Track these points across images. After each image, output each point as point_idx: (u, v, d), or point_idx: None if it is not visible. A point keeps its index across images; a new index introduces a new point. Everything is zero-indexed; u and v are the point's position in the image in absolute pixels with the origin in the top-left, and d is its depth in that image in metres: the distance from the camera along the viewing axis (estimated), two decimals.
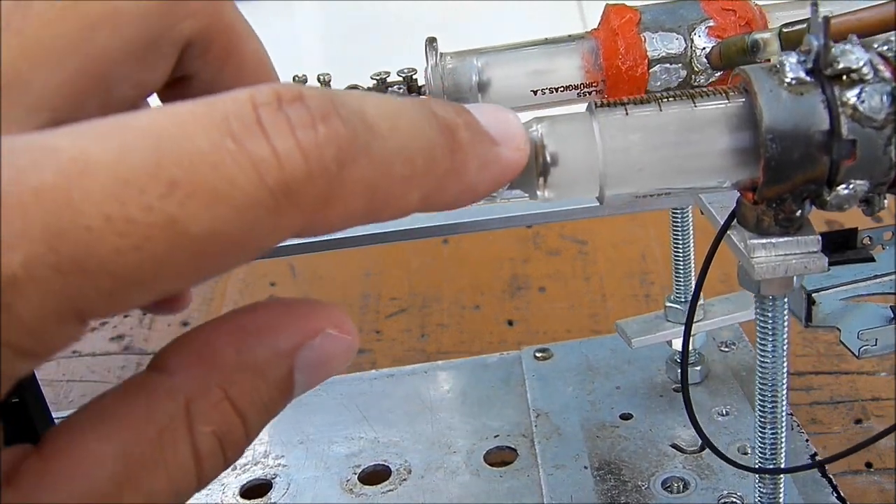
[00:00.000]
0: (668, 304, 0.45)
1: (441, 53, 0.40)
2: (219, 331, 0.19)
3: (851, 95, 0.24)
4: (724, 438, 0.42)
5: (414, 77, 0.40)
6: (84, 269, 0.15)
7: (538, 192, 0.26)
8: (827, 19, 0.24)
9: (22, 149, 0.15)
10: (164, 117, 0.16)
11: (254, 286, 0.62)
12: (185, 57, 0.22)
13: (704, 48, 0.37)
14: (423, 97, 0.21)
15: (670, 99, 0.26)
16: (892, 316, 0.41)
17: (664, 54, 0.37)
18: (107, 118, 0.16)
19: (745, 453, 0.41)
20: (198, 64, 0.22)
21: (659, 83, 0.37)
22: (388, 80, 0.40)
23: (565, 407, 0.46)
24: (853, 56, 0.24)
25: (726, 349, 0.49)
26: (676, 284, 0.45)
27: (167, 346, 0.19)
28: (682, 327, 0.45)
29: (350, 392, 0.52)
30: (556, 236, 0.59)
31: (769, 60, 0.36)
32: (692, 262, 0.45)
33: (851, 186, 0.26)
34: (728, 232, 0.29)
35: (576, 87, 0.39)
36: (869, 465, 0.37)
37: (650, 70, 0.37)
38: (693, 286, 0.45)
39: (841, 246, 0.43)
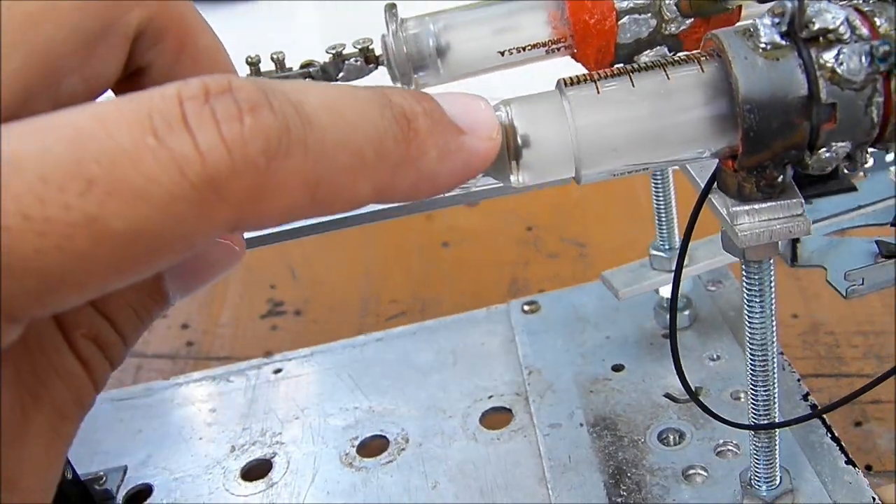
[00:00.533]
0: (653, 251, 0.45)
1: (402, 19, 0.38)
2: None
3: (829, 57, 0.23)
4: (717, 385, 0.42)
5: (370, 48, 0.39)
6: (6, 268, 0.15)
7: (511, 177, 0.25)
8: None
9: None
10: (87, 115, 0.16)
11: (253, 288, 0.62)
12: (138, 48, 0.22)
13: None
14: (383, 86, 0.20)
15: (641, 70, 0.25)
16: (878, 250, 0.41)
17: (632, 5, 0.36)
18: (34, 117, 0.16)
19: (738, 398, 0.41)
20: (151, 55, 0.22)
21: (629, 35, 0.36)
22: (344, 52, 0.39)
23: (557, 362, 0.46)
24: (829, 15, 0.23)
25: (713, 288, 0.49)
26: (660, 231, 0.45)
27: None
28: (668, 274, 0.45)
29: (341, 360, 0.51)
30: (557, 239, 0.58)
31: (741, 7, 0.35)
32: (673, 207, 0.44)
33: (833, 149, 0.25)
34: (709, 195, 0.28)
35: (543, 45, 0.37)
36: (869, 467, 0.37)
37: (619, 22, 0.36)
38: (675, 232, 0.45)
39: (821, 176, 0.42)
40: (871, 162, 0.44)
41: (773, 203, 0.26)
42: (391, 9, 0.38)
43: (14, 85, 0.19)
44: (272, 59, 0.38)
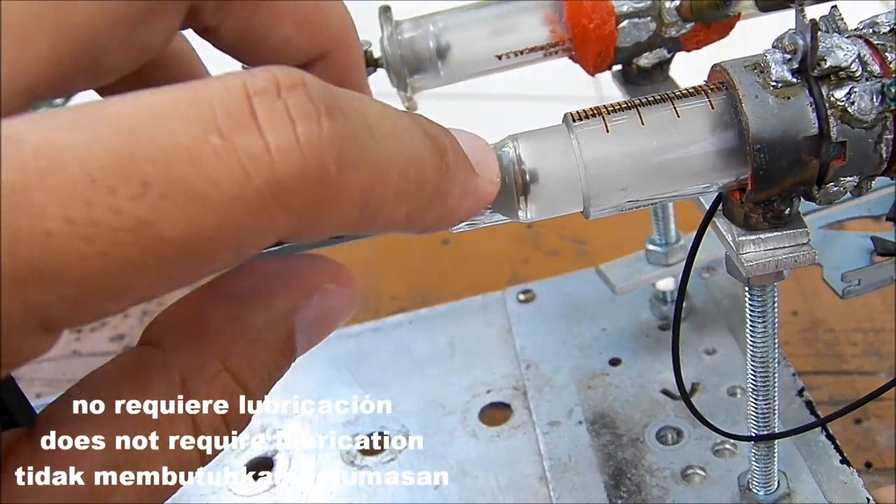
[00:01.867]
0: (649, 246, 0.45)
1: (396, 22, 0.37)
2: (210, 298, 0.18)
3: (841, 96, 0.23)
4: (713, 380, 0.42)
5: (368, 50, 0.38)
6: (45, 277, 0.14)
7: (520, 213, 0.25)
8: (814, 21, 0.23)
9: None
10: (140, 107, 0.15)
11: None
12: (201, 12, 0.20)
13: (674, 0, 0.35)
14: (410, 112, 0.19)
15: (649, 105, 0.25)
16: (873, 247, 0.41)
17: (632, 9, 0.35)
18: (80, 106, 0.15)
19: (735, 395, 0.41)
20: (219, 17, 0.20)
21: (629, 39, 0.36)
22: None
23: (554, 355, 0.47)
24: (841, 53, 0.23)
25: (707, 275, 0.50)
26: (656, 226, 0.45)
27: (157, 319, 0.18)
28: (664, 269, 0.45)
29: (337, 351, 0.52)
30: (557, 236, 0.58)
31: (740, 14, 0.35)
32: (669, 202, 0.44)
33: (841, 183, 0.25)
34: (714, 219, 0.28)
35: (541, 48, 0.37)
36: (869, 464, 0.38)
37: (618, 26, 0.36)
38: (671, 227, 0.45)
39: None
40: None
41: (779, 233, 0.26)
42: (385, 11, 0.38)
43: (46, 70, 0.17)
44: None
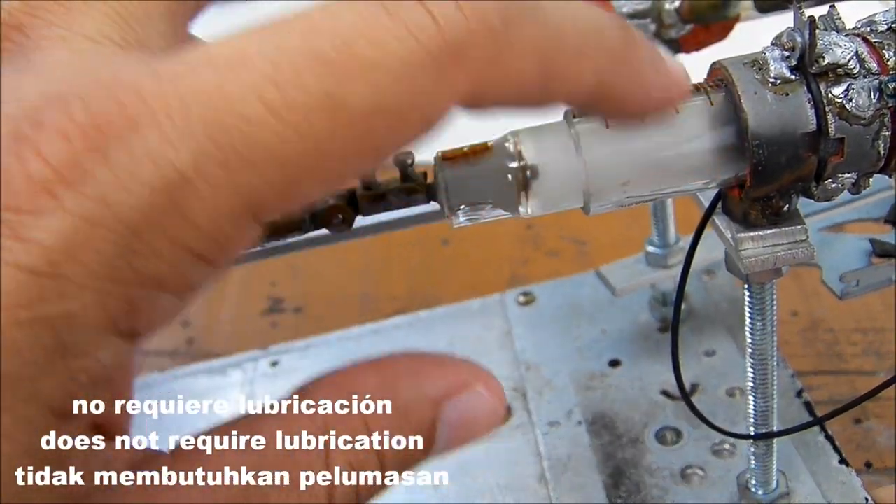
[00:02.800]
0: (649, 248, 0.45)
1: None
2: (365, 368, 0.19)
3: (839, 92, 0.23)
4: (713, 382, 0.43)
5: None
6: (249, 160, 0.15)
7: (520, 209, 0.25)
8: (812, 18, 0.23)
9: (181, 58, 0.16)
10: (317, 9, 0.16)
11: (254, 285, 0.61)
12: None
13: (674, 0, 0.35)
14: None
15: None
16: (872, 249, 0.41)
17: (632, 10, 0.36)
18: (260, 25, 0.16)
19: (733, 395, 0.42)
20: None
21: None
22: None
23: (553, 357, 0.47)
24: (839, 50, 0.23)
25: (707, 278, 0.50)
26: (655, 227, 0.45)
27: (312, 380, 0.19)
28: (664, 271, 0.45)
29: (338, 353, 0.52)
30: (556, 237, 0.58)
31: (739, 16, 0.35)
32: (669, 203, 0.44)
33: (839, 180, 0.25)
34: (713, 216, 0.29)
35: None
36: (868, 464, 0.38)
37: None
38: (671, 228, 0.45)
39: None
40: None
41: (778, 229, 0.27)
42: None
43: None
44: None
